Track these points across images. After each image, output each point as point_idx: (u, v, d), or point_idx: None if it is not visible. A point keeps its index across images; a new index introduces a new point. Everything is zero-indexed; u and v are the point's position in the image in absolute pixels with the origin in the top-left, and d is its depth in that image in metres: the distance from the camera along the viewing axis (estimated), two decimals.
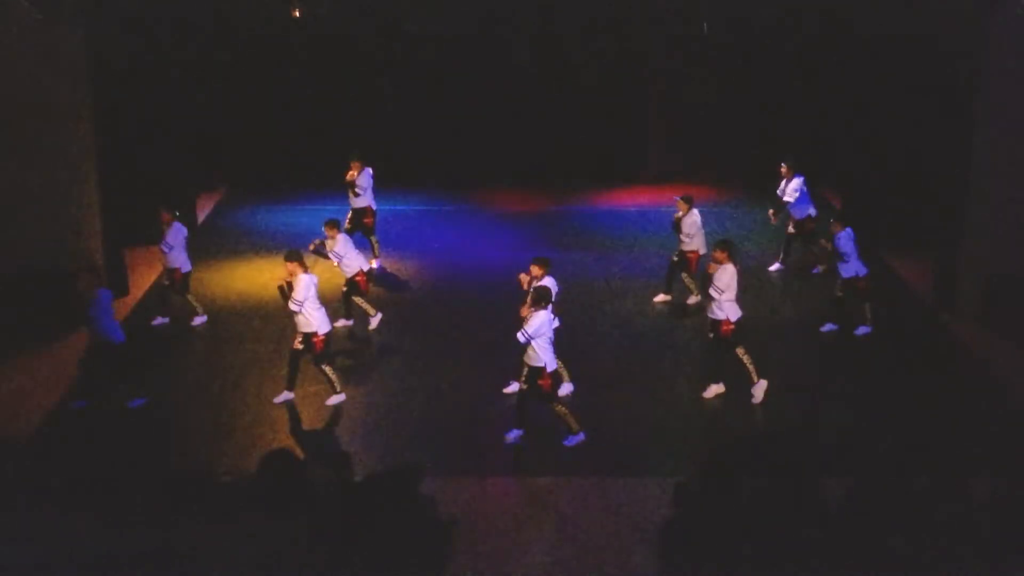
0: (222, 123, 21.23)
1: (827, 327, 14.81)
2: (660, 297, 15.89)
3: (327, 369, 12.82)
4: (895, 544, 8.30)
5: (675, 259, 15.62)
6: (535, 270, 12.54)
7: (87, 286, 12.38)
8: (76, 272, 12.79)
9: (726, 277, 12.62)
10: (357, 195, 16.88)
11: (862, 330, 14.73)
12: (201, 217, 19.74)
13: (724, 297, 12.63)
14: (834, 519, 8.77)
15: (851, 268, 14.47)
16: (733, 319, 12.70)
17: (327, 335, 12.77)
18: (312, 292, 12.51)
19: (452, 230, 19.15)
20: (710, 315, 12.85)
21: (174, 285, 14.95)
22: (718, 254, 12.74)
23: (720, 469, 9.44)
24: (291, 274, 12.45)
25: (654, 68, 21.38)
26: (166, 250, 14.72)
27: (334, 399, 12.86)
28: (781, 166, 16.60)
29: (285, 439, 12.08)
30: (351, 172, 16.84)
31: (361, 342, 14.76)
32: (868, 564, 8.24)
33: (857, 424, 12.49)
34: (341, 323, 14.88)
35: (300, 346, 12.64)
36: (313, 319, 12.55)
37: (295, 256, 12.56)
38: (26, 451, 11.75)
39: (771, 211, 17.01)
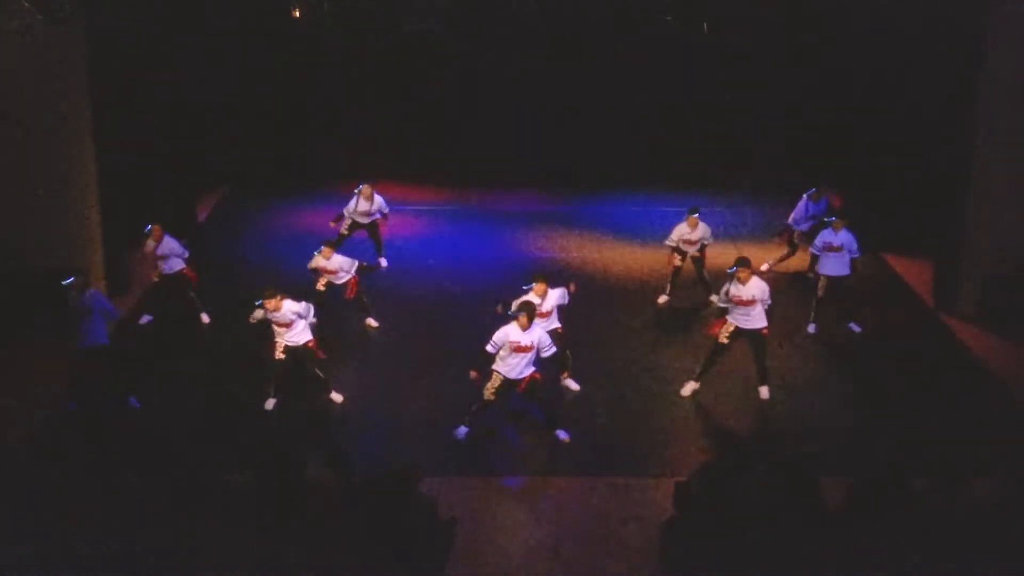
0: (223, 123, 21.20)
1: (851, 326, 14.82)
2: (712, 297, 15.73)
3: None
4: (895, 544, 8.30)
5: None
6: (540, 288, 12.55)
7: (80, 288, 12.38)
8: (75, 276, 12.70)
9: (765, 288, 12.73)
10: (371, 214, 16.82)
11: (811, 328, 14.76)
12: (201, 217, 19.72)
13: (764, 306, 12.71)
14: (834, 519, 8.77)
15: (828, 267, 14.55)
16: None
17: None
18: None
19: (453, 230, 19.14)
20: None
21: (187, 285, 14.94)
22: (744, 272, 12.58)
23: (720, 469, 9.44)
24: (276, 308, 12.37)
25: (655, 68, 21.35)
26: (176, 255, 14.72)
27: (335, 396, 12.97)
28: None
29: (285, 440, 12.08)
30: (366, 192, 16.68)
31: (361, 342, 14.76)
32: (868, 564, 8.25)
33: (857, 424, 12.51)
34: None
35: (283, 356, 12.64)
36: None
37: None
38: (26, 451, 11.75)
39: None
